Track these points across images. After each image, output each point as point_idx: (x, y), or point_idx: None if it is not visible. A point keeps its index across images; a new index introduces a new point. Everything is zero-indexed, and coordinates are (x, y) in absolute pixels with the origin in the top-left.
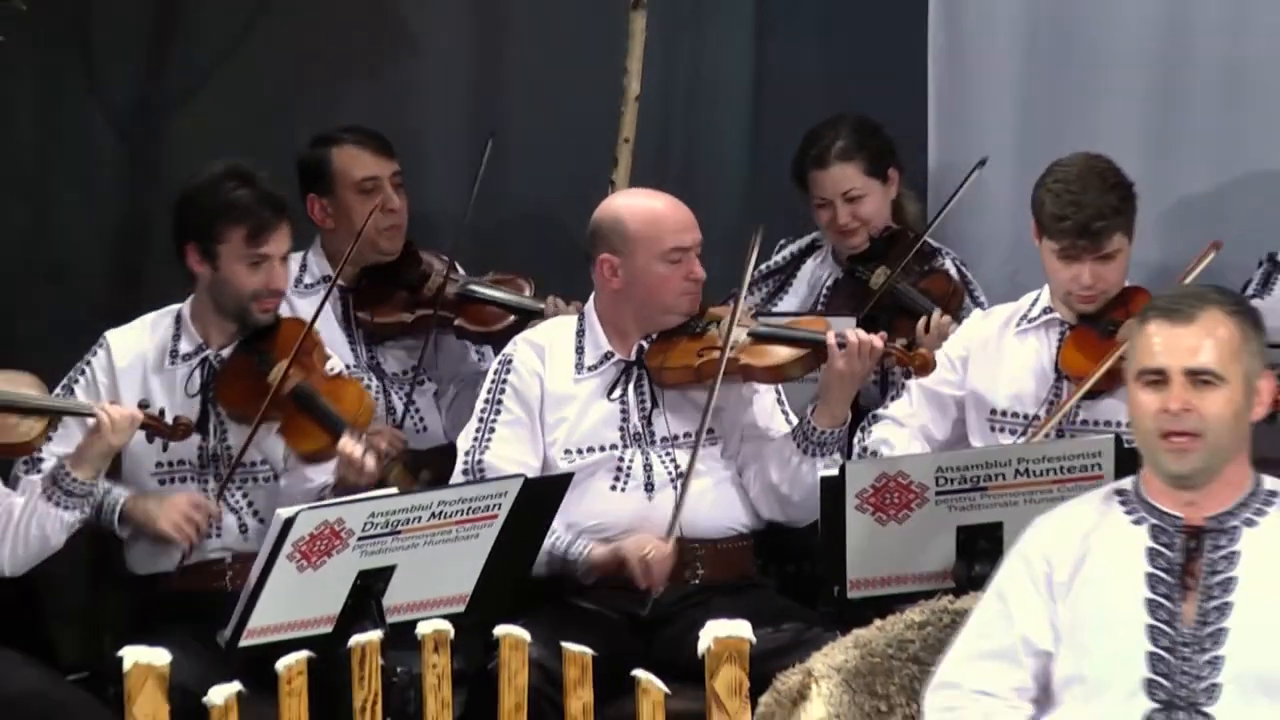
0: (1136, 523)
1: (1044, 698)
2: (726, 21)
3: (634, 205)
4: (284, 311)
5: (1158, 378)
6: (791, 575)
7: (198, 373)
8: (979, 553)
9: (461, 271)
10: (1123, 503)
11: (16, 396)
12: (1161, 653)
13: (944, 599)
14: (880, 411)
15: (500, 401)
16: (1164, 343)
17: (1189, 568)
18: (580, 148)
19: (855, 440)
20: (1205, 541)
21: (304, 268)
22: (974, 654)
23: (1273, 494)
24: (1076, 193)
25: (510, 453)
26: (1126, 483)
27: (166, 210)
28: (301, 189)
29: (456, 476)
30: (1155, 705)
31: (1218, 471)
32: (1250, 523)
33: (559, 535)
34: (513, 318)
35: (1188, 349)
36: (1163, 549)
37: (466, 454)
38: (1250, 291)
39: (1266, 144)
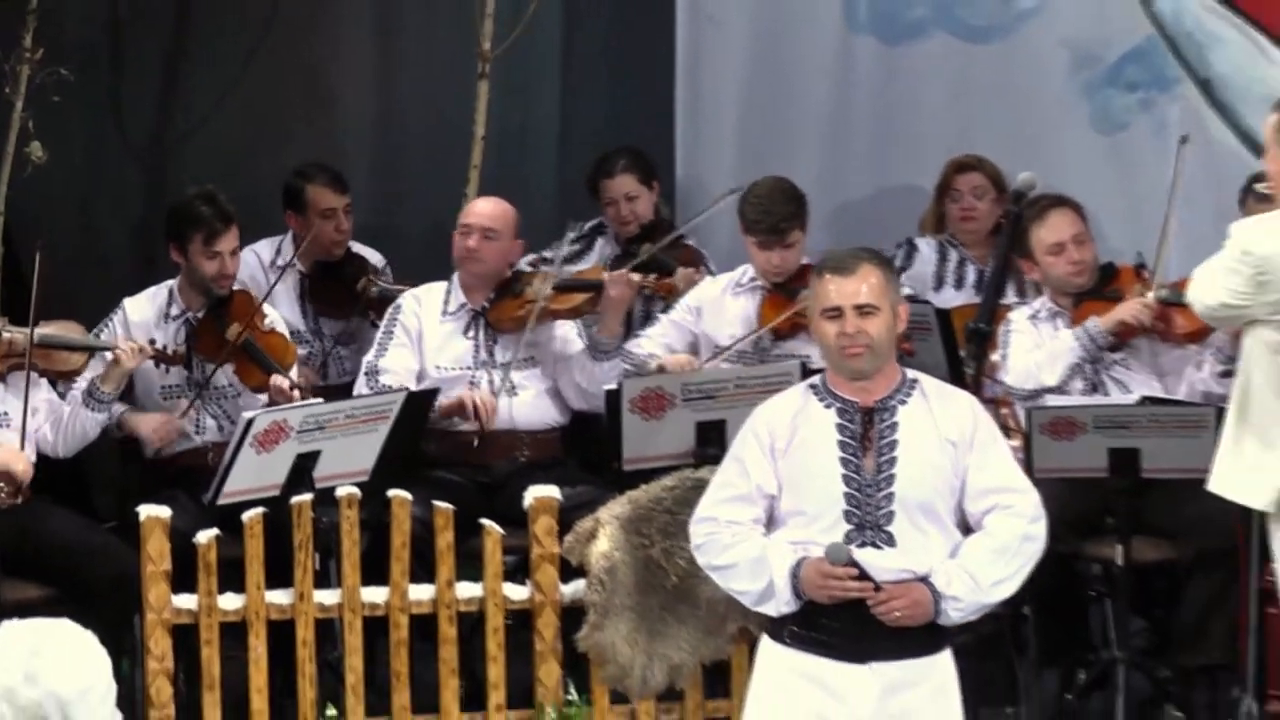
0: (827, 407)
1: (769, 526)
2: (541, 85)
3: (472, 212)
4: (259, 278)
5: (835, 313)
6: (587, 455)
7: (182, 329)
8: (710, 440)
9: (388, 271)
10: (816, 395)
11: (69, 339)
12: (853, 492)
13: (687, 470)
14: (639, 332)
15: (392, 332)
16: (837, 289)
17: (866, 435)
18: (444, 170)
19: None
20: (875, 417)
21: (279, 251)
22: (723, 499)
23: (915, 382)
24: (767, 204)
25: (397, 361)
26: (816, 380)
27: None
28: (284, 205)
29: (360, 376)
30: (850, 526)
31: (880, 368)
32: (903, 402)
33: None
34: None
35: (853, 291)
36: (846, 423)
37: (368, 361)
38: (897, 265)
39: (906, 165)
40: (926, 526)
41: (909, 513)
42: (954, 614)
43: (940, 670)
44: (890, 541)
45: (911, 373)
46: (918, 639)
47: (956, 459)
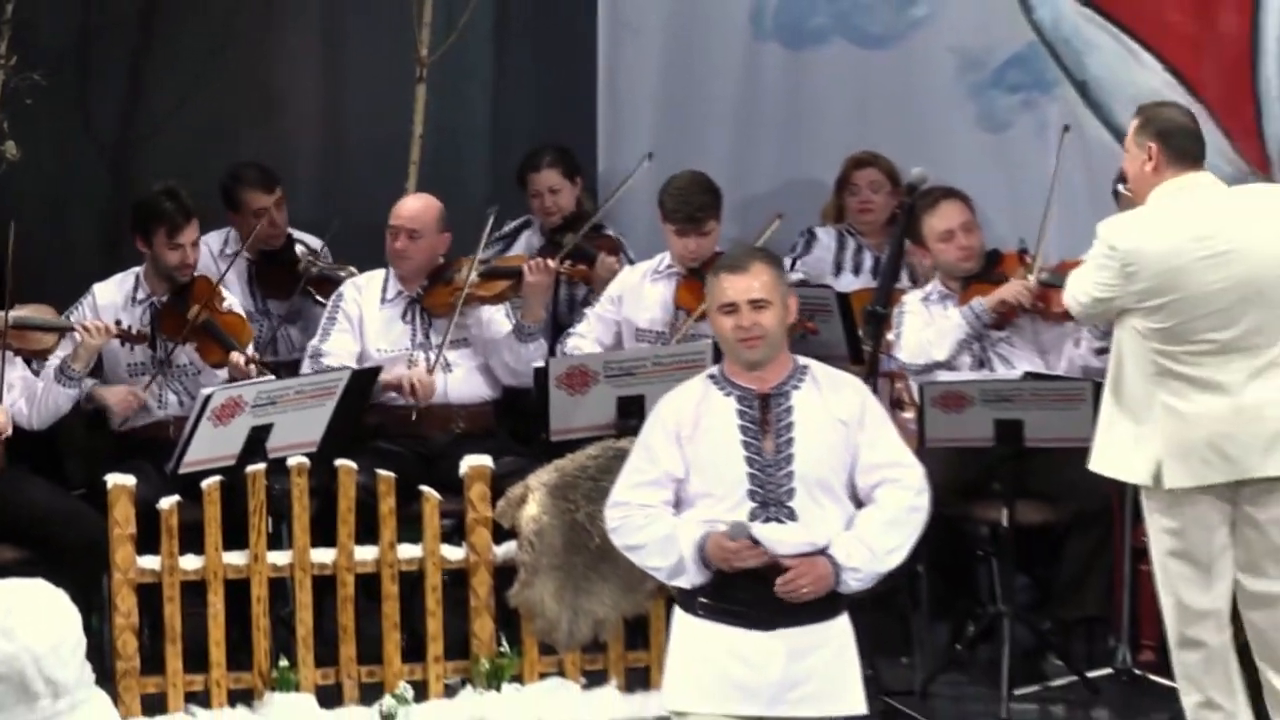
0: (727, 395)
1: (679, 507)
2: (474, 88)
3: (403, 210)
4: (210, 266)
5: (731, 308)
6: (517, 427)
7: (148, 312)
8: (630, 413)
9: (327, 251)
10: (716, 384)
11: (41, 320)
12: (755, 472)
13: (609, 440)
14: (570, 330)
15: (335, 318)
16: (731, 286)
17: (764, 419)
18: (386, 167)
19: (557, 346)
20: (771, 403)
21: (226, 241)
22: (634, 484)
23: (805, 368)
24: (685, 195)
25: (338, 345)
26: (714, 370)
27: None
28: (224, 204)
29: (305, 359)
30: (755, 504)
31: (774, 357)
32: (796, 387)
33: None
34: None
35: (747, 288)
36: (746, 409)
37: (312, 345)
38: (796, 253)
39: (809, 161)
40: (824, 501)
41: (808, 489)
42: (854, 583)
43: (839, 633)
44: (792, 516)
45: (802, 360)
46: (818, 606)
47: (848, 437)
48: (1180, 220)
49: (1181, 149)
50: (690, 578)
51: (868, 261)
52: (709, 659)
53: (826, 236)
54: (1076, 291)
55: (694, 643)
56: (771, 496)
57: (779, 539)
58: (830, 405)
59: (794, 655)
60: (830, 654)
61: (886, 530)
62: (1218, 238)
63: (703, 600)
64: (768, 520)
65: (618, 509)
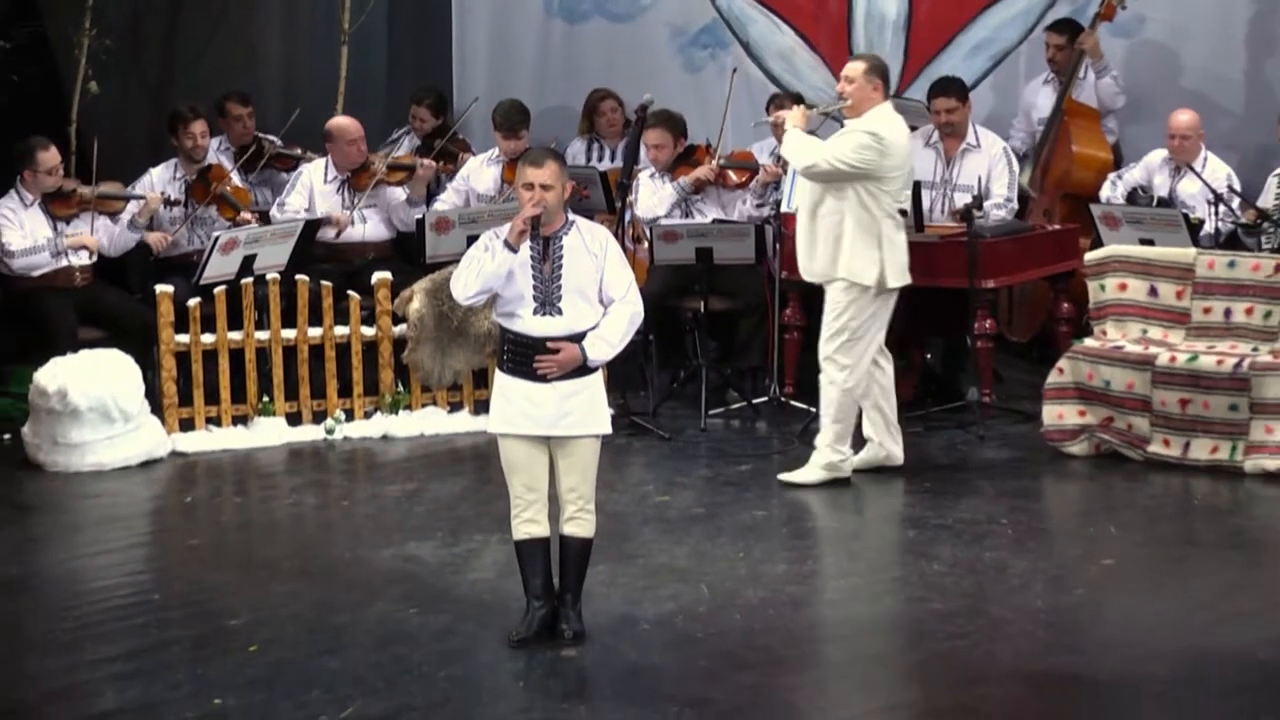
0: (528, 238)
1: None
2: (378, 50)
3: (335, 124)
4: (212, 157)
5: (529, 186)
6: (407, 254)
7: (183, 184)
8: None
9: (279, 142)
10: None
11: (116, 193)
12: (537, 284)
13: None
14: (438, 197)
15: (295, 185)
16: (531, 172)
17: (545, 253)
18: (321, 96)
19: (431, 204)
20: (550, 242)
21: (220, 143)
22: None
23: (573, 222)
24: (508, 114)
25: (295, 201)
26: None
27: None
28: (216, 115)
29: (274, 207)
30: (536, 304)
31: (554, 218)
32: (566, 234)
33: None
34: (295, 162)
35: (542, 174)
36: (534, 246)
37: (279, 200)
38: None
39: (578, 94)
40: (581, 304)
41: (570, 297)
42: (594, 362)
43: (593, 383)
44: (560, 313)
45: (573, 217)
46: (579, 369)
47: (597, 265)
48: (901, 128)
49: (888, 86)
50: (506, 256)
51: (608, 154)
52: (510, 400)
53: (579, 144)
54: (832, 157)
55: (502, 388)
56: (547, 300)
57: (552, 327)
58: (587, 243)
59: (562, 397)
60: (586, 396)
61: (617, 328)
62: (906, 137)
63: (507, 364)
64: (545, 315)
65: (457, 272)
